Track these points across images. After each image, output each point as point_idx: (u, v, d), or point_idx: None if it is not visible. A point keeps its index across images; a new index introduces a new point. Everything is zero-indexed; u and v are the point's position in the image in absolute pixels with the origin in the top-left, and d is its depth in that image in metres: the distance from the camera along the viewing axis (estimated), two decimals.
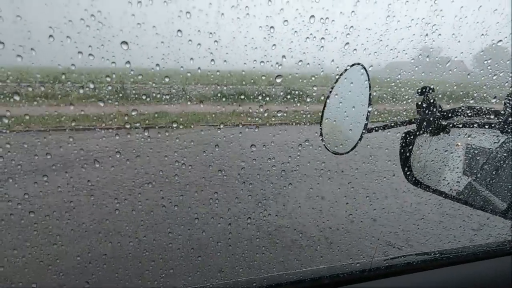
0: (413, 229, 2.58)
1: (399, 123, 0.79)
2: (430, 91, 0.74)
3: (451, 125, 0.73)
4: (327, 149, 0.84)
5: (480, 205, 0.68)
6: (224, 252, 2.34)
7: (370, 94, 0.72)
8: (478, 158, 0.76)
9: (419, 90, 0.75)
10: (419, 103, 0.75)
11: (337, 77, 0.88)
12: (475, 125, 0.71)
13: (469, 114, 0.71)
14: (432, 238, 2.35)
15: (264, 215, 2.98)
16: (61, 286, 1.95)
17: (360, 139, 0.72)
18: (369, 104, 0.70)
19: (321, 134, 0.86)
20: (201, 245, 2.49)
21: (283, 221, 2.92)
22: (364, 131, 0.70)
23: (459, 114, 0.72)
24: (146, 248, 2.42)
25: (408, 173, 0.80)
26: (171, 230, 2.61)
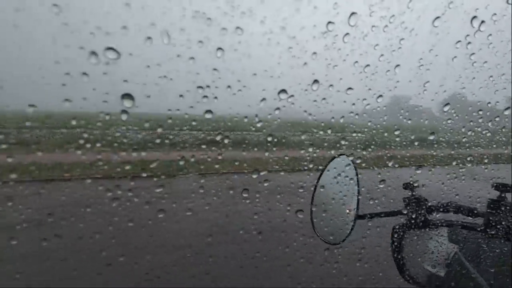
0: None
1: (389, 212, 0.81)
2: (415, 186, 0.80)
3: (437, 222, 0.77)
4: (322, 240, 0.82)
5: None
6: None
7: (358, 183, 0.74)
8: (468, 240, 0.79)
9: (404, 185, 0.81)
10: (406, 198, 0.80)
11: (323, 168, 0.89)
12: (460, 226, 0.75)
13: (454, 211, 0.75)
14: None
15: None
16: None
17: (353, 228, 0.72)
18: (358, 192, 0.73)
19: (312, 225, 0.84)
20: None
21: None
22: (356, 219, 0.72)
23: (445, 210, 0.77)
24: None
25: (401, 267, 0.79)
26: None
